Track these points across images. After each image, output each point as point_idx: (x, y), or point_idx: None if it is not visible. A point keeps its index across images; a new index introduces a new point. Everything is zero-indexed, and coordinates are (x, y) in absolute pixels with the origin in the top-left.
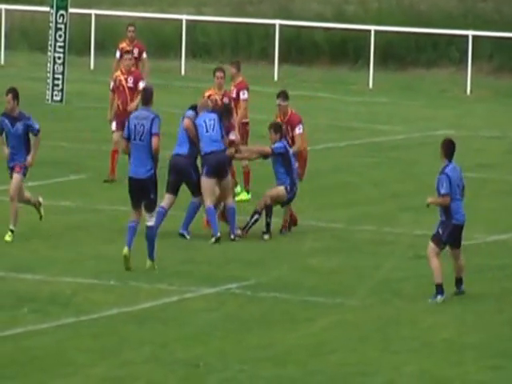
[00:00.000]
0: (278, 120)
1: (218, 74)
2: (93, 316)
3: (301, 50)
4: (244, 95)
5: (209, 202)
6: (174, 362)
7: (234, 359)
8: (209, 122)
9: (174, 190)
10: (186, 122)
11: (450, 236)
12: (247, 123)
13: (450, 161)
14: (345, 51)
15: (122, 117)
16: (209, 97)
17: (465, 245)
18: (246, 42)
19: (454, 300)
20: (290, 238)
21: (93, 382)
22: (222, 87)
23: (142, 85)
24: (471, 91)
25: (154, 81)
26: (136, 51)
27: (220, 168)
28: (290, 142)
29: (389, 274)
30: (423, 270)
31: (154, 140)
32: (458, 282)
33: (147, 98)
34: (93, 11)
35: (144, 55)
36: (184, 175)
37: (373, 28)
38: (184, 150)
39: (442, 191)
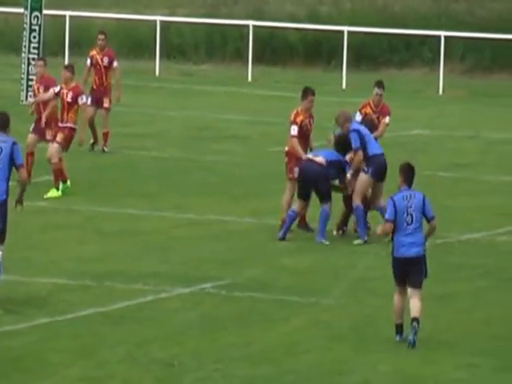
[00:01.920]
0: (368, 109)
1: (378, 90)
2: (68, 316)
3: (275, 50)
4: (83, 100)
5: (358, 200)
6: (149, 362)
7: (209, 359)
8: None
9: (303, 195)
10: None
11: (395, 270)
12: (75, 129)
13: (409, 186)
14: (318, 52)
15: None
16: (366, 115)
17: (438, 244)
18: (220, 43)
19: (428, 299)
20: (264, 238)
21: (70, 382)
22: (379, 104)
23: (81, 100)
24: (444, 91)
25: (129, 82)
26: (106, 60)
27: (383, 171)
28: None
29: (364, 273)
30: None
31: (23, 172)
32: (414, 320)
33: (3, 123)
34: (67, 12)
35: (115, 64)
36: (313, 184)
37: (346, 29)
38: (327, 156)
39: (385, 216)
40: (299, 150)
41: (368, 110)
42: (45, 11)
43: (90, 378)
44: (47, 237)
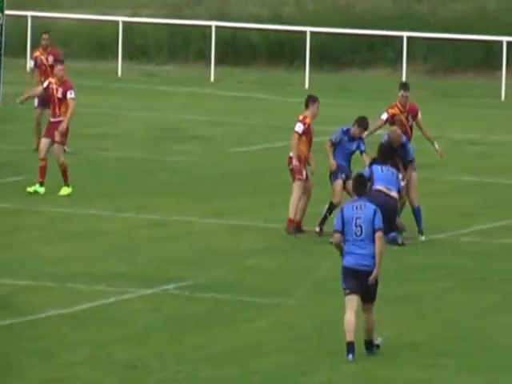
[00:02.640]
0: (396, 110)
1: (404, 93)
2: (31, 318)
3: (237, 51)
4: (71, 95)
5: (417, 200)
6: (112, 363)
7: (171, 360)
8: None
9: None
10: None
11: (345, 280)
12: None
13: (359, 196)
14: (281, 52)
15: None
16: (393, 116)
17: (402, 244)
18: (182, 44)
19: (391, 300)
20: (227, 239)
21: None
22: (406, 105)
23: (69, 94)
24: None
25: (91, 82)
26: (51, 59)
27: None
28: (409, 130)
29: (327, 273)
30: None
31: None
32: (367, 344)
33: None
34: (29, 13)
35: None
36: (389, 213)
37: (308, 29)
38: (395, 185)
39: (334, 227)
40: (296, 146)
41: (395, 110)
42: (7, 12)
43: (52, 379)
44: (9, 238)
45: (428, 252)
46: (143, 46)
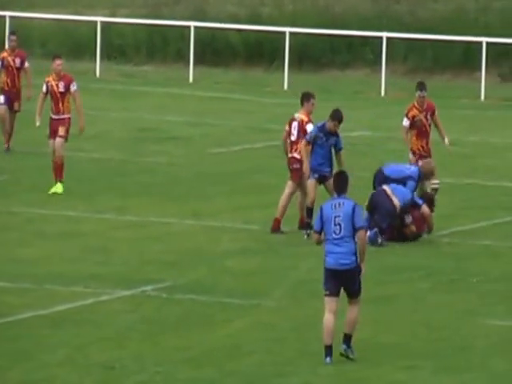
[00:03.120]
0: (415, 111)
1: (421, 93)
2: (8, 319)
3: (216, 51)
4: (74, 87)
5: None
6: (89, 365)
7: (150, 361)
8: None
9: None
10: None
11: (326, 281)
12: (70, 118)
13: (338, 194)
14: (260, 53)
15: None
16: (414, 117)
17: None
18: (161, 44)
19: (368, 301)
20: (206, 240)
21: None
22: (424, 104)
23: (73, 87)
24: (386, 92)
25: None
26: (18, 61)
27: None
28: (429, 129)
29: (305, 274)
30: None
31: None
32: (345, 337)
33: None
34: (7, 13)
35: (26, 64)
36: (381, 213)
37: (287, 30)
38: (400, 196)
39: (313, 227)
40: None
41: (414, 111)
42: None
43: (29, 380)
44: None
45: (407, 253)
46: (121, 46)
